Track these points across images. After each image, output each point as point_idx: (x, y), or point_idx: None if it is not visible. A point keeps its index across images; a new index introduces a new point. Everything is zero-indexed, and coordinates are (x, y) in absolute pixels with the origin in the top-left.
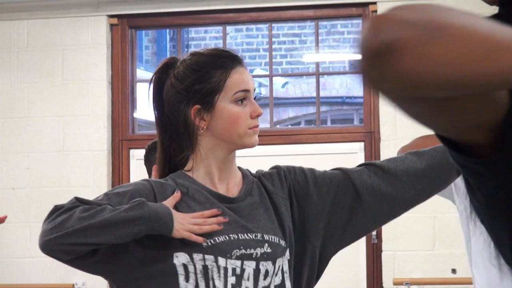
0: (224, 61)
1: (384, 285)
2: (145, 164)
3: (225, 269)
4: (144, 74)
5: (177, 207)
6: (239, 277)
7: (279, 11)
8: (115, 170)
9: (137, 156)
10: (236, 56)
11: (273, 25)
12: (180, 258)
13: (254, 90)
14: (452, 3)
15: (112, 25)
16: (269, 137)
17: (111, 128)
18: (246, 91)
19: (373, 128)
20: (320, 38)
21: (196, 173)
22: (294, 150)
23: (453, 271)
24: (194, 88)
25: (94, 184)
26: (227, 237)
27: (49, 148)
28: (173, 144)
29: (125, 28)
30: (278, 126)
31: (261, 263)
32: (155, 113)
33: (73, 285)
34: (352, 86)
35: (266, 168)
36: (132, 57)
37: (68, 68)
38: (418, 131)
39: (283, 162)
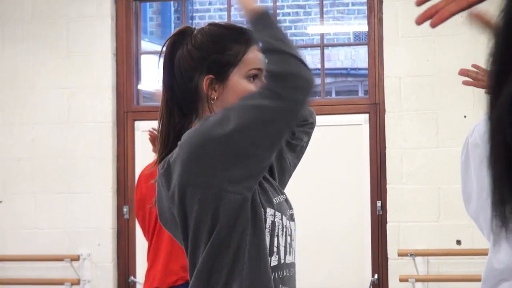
0: (243, 36)
1: (388, 256)
2: None
3: (285, 227)
4: (148, 45)
5: None
6: (291, 237)
7: None
8: (119, 141)
9: (141, 128)
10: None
11: None
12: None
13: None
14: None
15: None
16: None
17: (115, 100)
18: (260, 70)
19: (377, 99)
20: (324, 9)
21: None
22: None
23: (458, 242)
24: (211, 57)
25: (98, 155)
26: (281, 198)
27: (54, 120)
28: (177, 110)
29: None
30: None
31: (290, 222)
32: (164, 77)
33: (79, 256)
34: (356, 58)
35: None
36: (136, 29)
37: (73, 40)
38: (422, 103)
39: None
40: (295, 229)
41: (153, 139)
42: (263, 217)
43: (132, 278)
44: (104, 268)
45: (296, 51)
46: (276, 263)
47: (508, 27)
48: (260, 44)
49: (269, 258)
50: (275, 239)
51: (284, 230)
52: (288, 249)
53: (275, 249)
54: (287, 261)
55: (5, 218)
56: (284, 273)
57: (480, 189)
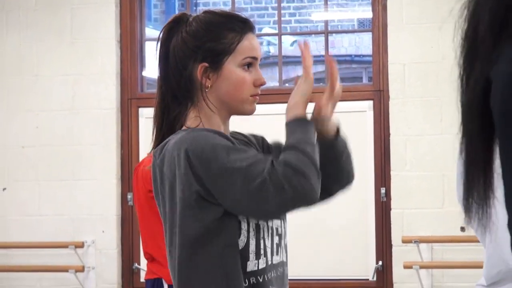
0: (238, 24)
1: (393, 243)
2: None
3: (272, 228)
4: (152, 32)
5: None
6: (280, 236)
7: None
8: (124, 128)
9: (146, 115)
10: (250, 22)
11: None
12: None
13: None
14: None
15: None
16: (278, 96)
17: (120, 87)
18: (255, 58)
19: (382, 86)
20: None
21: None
22: None
23: (462, 229)
24: (205, 45)
25: (103, 142)
26: None
27: (58, 107)
28: (171, 98)
29: None
30: (287, 84)
31: (282, 221)
32: (159, 64)
33: (83, 243)
34: (361, 45)
35: (274, 126)
36: (140, 16)
37: (77, 27)
38: (426, 90)
39: None
40: (284, 227)
41: None
42: (243, 221)
43: (136, 265)
44: (109, 255)
45: (317, 164)
46: (264, 265)
47: (476, 10)
48: (289, 141)
49: (257, 261)
50: (261, 241)
51: (271, 231)
52: (275, 250)
53: (261, 251)
54: (274, 262)
55: (9, 205)
56: (272, 274)
57: None
